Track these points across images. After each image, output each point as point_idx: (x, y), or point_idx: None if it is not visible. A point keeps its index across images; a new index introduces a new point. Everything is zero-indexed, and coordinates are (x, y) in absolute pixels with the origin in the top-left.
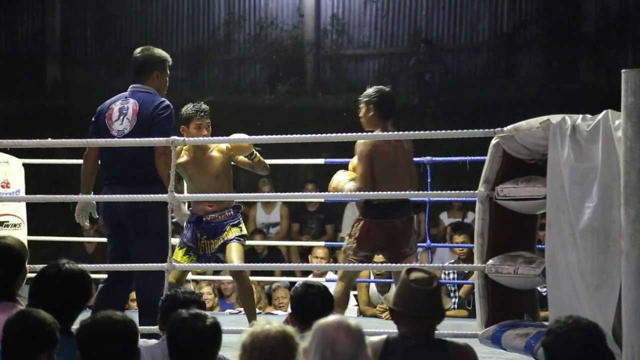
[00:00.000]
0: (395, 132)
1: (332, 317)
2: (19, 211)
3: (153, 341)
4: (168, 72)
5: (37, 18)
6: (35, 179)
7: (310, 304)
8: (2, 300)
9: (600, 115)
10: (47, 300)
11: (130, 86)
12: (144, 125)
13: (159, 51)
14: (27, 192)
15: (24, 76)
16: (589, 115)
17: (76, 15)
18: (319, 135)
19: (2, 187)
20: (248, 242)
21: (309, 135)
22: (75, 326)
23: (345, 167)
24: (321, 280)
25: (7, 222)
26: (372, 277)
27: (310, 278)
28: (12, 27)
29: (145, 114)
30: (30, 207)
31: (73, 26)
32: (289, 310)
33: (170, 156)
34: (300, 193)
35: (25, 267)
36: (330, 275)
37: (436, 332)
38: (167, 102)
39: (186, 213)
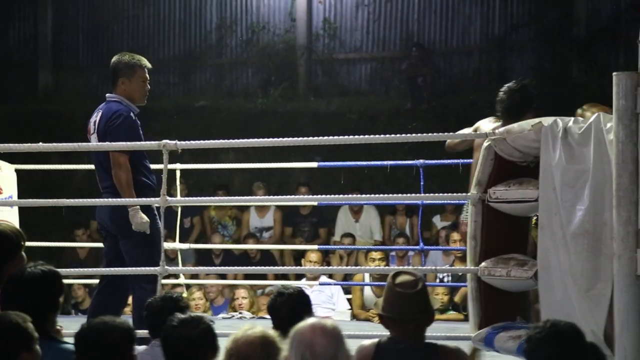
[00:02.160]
0: (389, 135)
1: (307, 321)
2: (12, 216)
3: (142, 347)
4: (143, 76)
5: (29, 24)
6: (27, 184)
7: (282, 311)
8: None
9: (592, 118)
10: (15, 304)
11: (106, 96)
12: (102, 138)
13: (128, 56)
14: (19, 197)
15: (16, 82)
16: (580, 118)
17: (68, 21)
18: (311, 138)
19: None
20: (242, 246)
21: (301, 139)
22: (67, 330)
23: (338, 170)
24: (314, 283)
25: None
26: (367, 280)
27: (304, 282)
28: (4, 33)
29: (102, 126)
30: (22, 212)
31: (65, 32)
32: None
33: (126, 167)
34: (294, 196)
35: (21, 253)
36: (324, 278)
37: (429, 334)
38: (122, 111)
39: (143, 221)
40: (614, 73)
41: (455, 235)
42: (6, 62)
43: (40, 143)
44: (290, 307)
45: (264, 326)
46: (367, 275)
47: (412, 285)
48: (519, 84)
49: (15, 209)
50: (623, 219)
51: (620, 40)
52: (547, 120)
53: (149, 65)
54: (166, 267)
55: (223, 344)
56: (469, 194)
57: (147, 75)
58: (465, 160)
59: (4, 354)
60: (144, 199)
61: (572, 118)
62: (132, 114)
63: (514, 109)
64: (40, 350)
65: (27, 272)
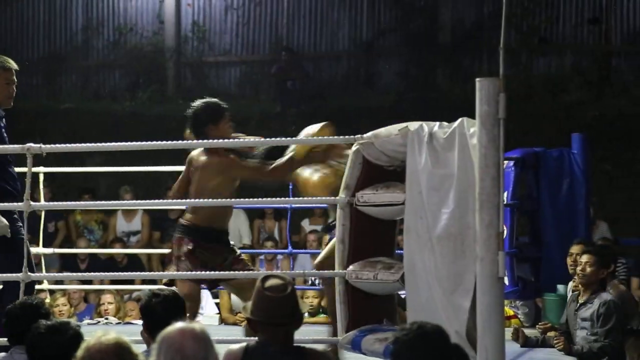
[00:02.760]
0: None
1: (175, 325)
2: None
3: (1, 355)
4: (7, 78)
5: None
6: None
7: (157, 312)
8: None
9: (456, 123)
10: None
11: None
12: None
13: None
14: None
15: None
16: (445, 123)
17: None
18: (180, 142)
19: None
20: (108, 251)
21: (170, 142)
22: None
23: None
24: None
25: None
26: None
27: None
28: None
29: None
30: None
31: None
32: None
33: None
34: (162, 200)
35: None
36: None
37: (298, 338)
38: None
39: (1, 225)
40: (477, 79)
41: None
42: None
43: None
44: (164, 309)
45: (118, 333)
46: None
47: (281, 289)
48: (203, 102)
49: None
50: (485, 222)
51: (484, 47)
52: (413, 125)
53: (14, 66)
54: (29, 273)
55: None
56: (337, 197)
57: (14, 77)
58: None
59: None
60: (5, 203)
61: (438, 123)
62: None
63: (197, 125)
64: None
65: None
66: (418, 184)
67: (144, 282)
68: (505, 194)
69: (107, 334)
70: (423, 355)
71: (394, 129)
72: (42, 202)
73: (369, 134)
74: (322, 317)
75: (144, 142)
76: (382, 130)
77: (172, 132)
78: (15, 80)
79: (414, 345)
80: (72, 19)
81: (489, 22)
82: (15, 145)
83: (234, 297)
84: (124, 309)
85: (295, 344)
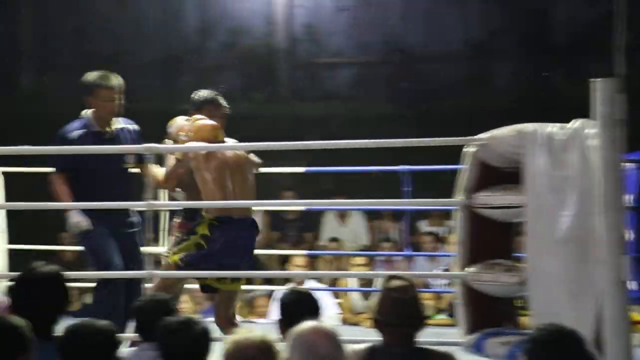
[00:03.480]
0: (375, 140)
1: (307, 323)
2: None
3: (128, 350)
4: (101, 94)
5: (10, 27)
6: (12, 187)
7: (299, 310)
8: None
9: (574, 124)
10: (24, 305)
11: None
12: None
13: (87, 76)
14: (6, 200)
15: None
16: (564, 124)
17: (49, 23)
18: (297, 143)
19: None
20: None
21: (287, 143)
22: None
23: (324, 175)
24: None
25: None
26: (355, 285)
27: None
28: None
29: None
30: (9, 215)
31: (47, 34)
32: (270, 318)
33: (60, 187)
34: (279, 201)
35: None
36: (311, 283)
37: (419, 340)
38: (59, 135)
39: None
40: (595, 79)
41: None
42: None
43: (26, 146)
44: (308, 307)
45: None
46: (354, 280)
47: (406, 291)
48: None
49: (2, 212)
50: (608, 225)
51: (599, 47)
52: (530, 127)
53: (112, 83)
54: (153, 271)
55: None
56: (455, 199)
57: (114, 95)
58: (449, 167)
59: (3, 355)
60: (131, 202)
61: (556, 124)
62: (73, 133)
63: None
64: (47, 353)
65: (35, 272)
66: (536, 186)
67: (264, 281)
68: (630, 196)
69: (253, 330)
70: (557, 356)
71: (510, 130)
72: (164, 201)
73: (485, 135)
74: (441, 319)
75: (260, 143)
76: (498, 132)
77: (285, 133)
78: (116, 97)
79: (550, 346)
80: (188, 21)
81: (604, 21)
82: (136, 145)
83: (355, 297)
84: (245, 308)
85: (418, 346)
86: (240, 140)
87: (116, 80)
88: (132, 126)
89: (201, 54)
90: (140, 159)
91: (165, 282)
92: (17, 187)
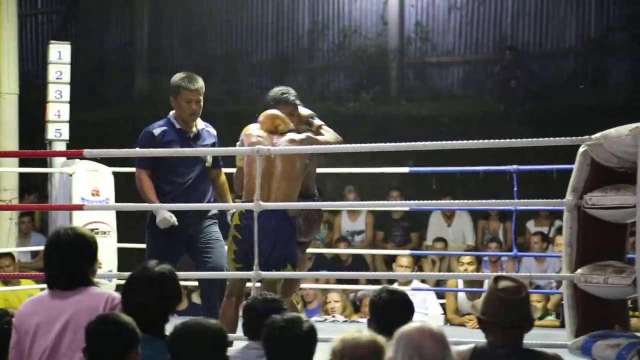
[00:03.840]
0: (483, 141)
1: (414, 324)
2: (109, 219)
3: (235, 349)
4: (182, 95)
5: (126, 29)
6: (124, 187)
7: (393, 310)
8: (78, 286)
9: None
10: (137, 302)
11: None
12: None
13: (174, 77)
14: (116, 200)
15: (113, 86)
16: None
17: (163, 26)
18: (404, 144)
19: (93, 195)
20: (334, 250)
21: (394, 144)
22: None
23: (430, 175)
24: (406, 288)
25: (97, 229)
26: (460, 285)
27: (395, 286)
28: (101, 38)
29: None
30: (119, 215)
31: (160, 37)
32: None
33: (143, 183)
34: (385, 201)
35: (97, 255)
36: (416, 283)
37: (525, 341)
38: (145, 130)
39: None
40: None
41: (559, 239)
42: (103, 67)
43: (138, 148)
44: (402, 307)
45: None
46: (460, 280)
47: (516, 292)
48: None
49: (113, 211)
50: None
51: None
52: None
53: (194, 86)
54: (260, 272)
55: (320, 346)
56: (564, 200)
57: (197, 97)
58: (560, 166)
59: (111, 353)
60: (239, 204)
61: None
62: (157, 129)
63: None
64: (157, 350)
65: (151, 271)
66: None
67: (369, 281)
68: None
69: (362, 330)
70: None
71: (624, 129)
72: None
73: (598, 134)
74: (548, 320)
75: (367, 144)
76: (611, 131)
77: (395, 132)
78: (199, 98)
79: None
80: (299, 22)
81: None
82: (246, 148)
83: (459, 297)
84: (350, 308)
85: (524, 347)
86: (348, 141)
87: (198, 82)
88: (211, 130)
89: (312, 54)
90: (216, 163)
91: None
92: (128, 187)
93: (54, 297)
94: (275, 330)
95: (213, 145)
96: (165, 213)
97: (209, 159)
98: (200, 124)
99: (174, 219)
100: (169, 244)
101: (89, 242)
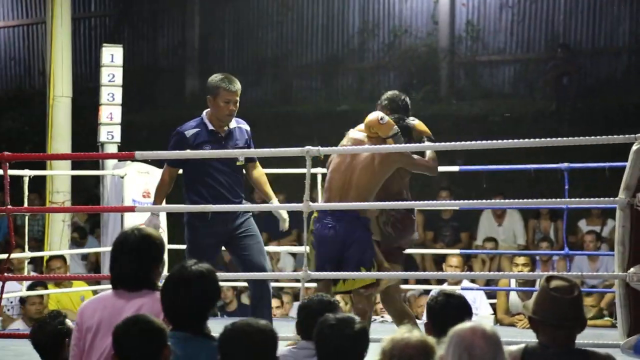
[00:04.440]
0: (535, 140)
1: (467, 323)
2: (159, 220)
3: (285, 349)
4: (221, 96)
5: (177, 31)
6: (174, 189)
7: (450, 313)
8: (144, 288)
9: None
10: (176, 301)
11: None
12: None
13: (212, 77)
14: (167, 202)
15: (164, 88)
16: None
17: (214, 27)
18: (453, 143)
19: (144, 196)
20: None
21: (443, 144)
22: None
23: (480, 174)
24: (456, 288)
25: None
26: (513, 285)
27: (445, 286)
28: (154, 41)
29: None
30: (169, 216)
31: (211, 38)
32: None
33: (164, 178)
34: (435, 201)
35: (164, 258)
36: (465, 283)
37: (577, 341)
38: (176, 130)
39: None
40: None
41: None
42: (155, 68)
43: (188, 150)
44: (459, 310)
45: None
46: (512, 280)
47: (568, 291)
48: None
49: (164, 212)
50: None
51: None
52: None
53: (235, 88)
54: (309, 271)
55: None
56: (616, 198)
57: (235, 97)
58: (612, 164)
59: (152, 349)
60: (289, 204)
61: None
62: (189, 131)
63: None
64: (198, 349)
65: (191, 270)
66: None
67: (418, 281)
68: None
69: (412, 330)
70: None
71: None
72: (319, 202)
73: None
74: (602, 320)
75: (418, 144)
76: None
77: (445, 132)
78: (236, 99)
79: None
80: (349, 22)
81: None
82: (295, 148)
83: (511, 298)
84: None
85: (576, 347)
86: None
87: (237, 84)
88: (245, 126)
89: (362, 54)
90: (248, 158)
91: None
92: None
93: (118, 297)
94: (326, 328)
95: (246, 142)
96: (155, 221)
97: (241, 158)
98: (232, 122)
99: (159, 227)
100: (207, 239)
101: (156, 244)
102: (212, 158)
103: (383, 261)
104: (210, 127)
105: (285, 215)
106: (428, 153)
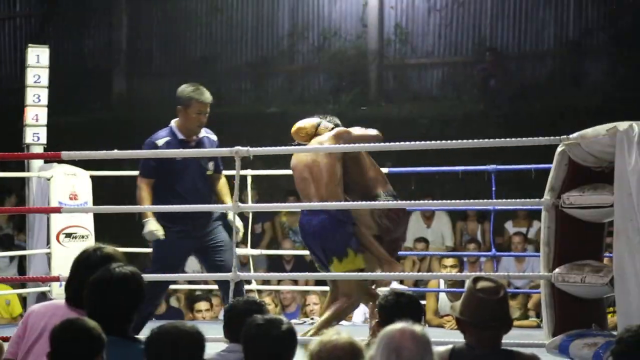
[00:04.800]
0: (461, 141)
1: (397, 324)
2: (87, 223)
3: (213, 353)
4: (194, 108)
5: (104, 32)
6: (102, 191)
7: (401, 313)
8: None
9: None
10: (102, 305)
11: None
12: None
13: (183, 88)
14: (94, 204)
15: (91, 89)
16: None
17: (142, 28)
18: (383, 144)
19: (71, 198)
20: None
21: (372, 145)
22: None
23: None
24: (385, 289)
25: (75, 233)
26: (442, 286)
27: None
28: (81, 41)
29: None
30: (97, 218)
31: (139, 39)
32: (354, 320)
33: (142, 193)
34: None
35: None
36: (394, 284)
37: (503, 341)
38: (147, 140)
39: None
40: None
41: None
42: (81, 69)
43: (115, 150)
44: (409, 310)
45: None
46: (442, 281)
47: (494, 292)
48: None
49: (91, 215)
50: None
51: None
52: (622, 125)
53: (208, 99)
54: (238, 272)
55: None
56: (542, 199)
57: (206, 109)
58: (538, 166)
59: (86, 353)
60: (216, 205)
61: None
62: (160, 140)
63: None
64: (124, 352)
65: (115, 272)
66: (627, 185)
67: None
68: None
69: (340, 333)
70: None
71: (601, 129)
72: (250, 203)
73: (575, 134)
74: (527, 321)
75: (346, 145)
76: (589, 131)
77: None
78: (207, 110)
79: (638, 349)
80: (279, 24)
81: None
82: (224, 149)
83: (441, 299)
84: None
85: (503, 347)
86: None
87: (209, 95)
88: (212, 136)
89: (291, 56)
90: (216, 169)
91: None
92: (106, 191)
93: (69, 309)
94: (253, 329)
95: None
96: (152, 225)
97: (211, 167)
98: (202, 132)
99: (160, 233)
100: (176, 247)
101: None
102: (182, 168)
103: (384, 254)
104: (181, 136)
105: (239, 224)
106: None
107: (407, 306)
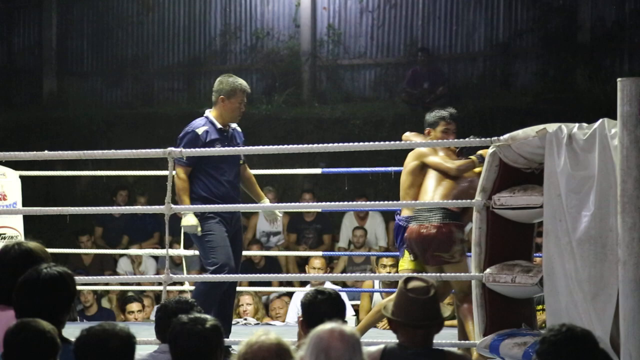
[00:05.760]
0: (394, 142)
1: (327, 324)
2: (16, 223)
3: (144, 354)
4: (238, 97)
5: (34, 31)
6: (31, 191)
7: (319, 309)
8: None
9: (596, 124)
10: (32, 307)
11: None
12: None
13: (224, 78)
14: (23, 204)
15: (21, 88)
16: (585, 124)
17: (72, 27)
18: (316, 145)
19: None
20: (247, 253)
21: (306, 146)
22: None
23: (342, 176)
24: None
25: (4, 234)
26: (377, 286)
27: (308, 288)
28: (9, 40)
29: None
30: (27, 219)
31: (69, 38)
32: (287, 320)
33: (181, 179)
34: (297, 203)
35: None
36: (328, 285)
37: (435, 341)
38: (187, 130)
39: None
40: (619, 79)
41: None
42: (10, 68)
43: (46, 151)
44: (328, 306)
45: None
46: (376, 281)
47: (424, 292)
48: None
49: (20, 215)
50: (628, 225)
51: (625, 46)
52: (551, 127)
53: (248, 90)
54: (171, 274)
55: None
56: (473, 200)
57: (245, 99)
58: None
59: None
60: (150, 207)
61: (577, 124)
62: (200, 128)
63: None
64: (62, 353)
65: (43, 273)
66: (557, 186)
67: (282, 284)
68: None
69: (268, 333)
70: (570, 357)
71: (531, 130)
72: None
73: (506, 136)
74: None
75: (280, 146)
76: (519, 132)
77: (307, 135)
78: (246, 100)
79: (562, 347)
80: (211, 24)
81: (630, 20)
82: (157, 150)
83: (375, 299)
84: (262, 310)
85: (434, 347)
86: (261, 143)
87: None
88: (238, 128)
89: (224, 56)
90: (245, 159)
91: None
92: (36, 191)
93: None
94: (177, 327)
95: (243, 143)
96: (192, 220)
97: (243, 157)
98: (231, 124)
99: (199, 229)
100: (224, 234)
101: (38, 258)
102: (222, 157)
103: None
104: (219, 125)
105: (279, 214)
106: None
107: (325, 303)
